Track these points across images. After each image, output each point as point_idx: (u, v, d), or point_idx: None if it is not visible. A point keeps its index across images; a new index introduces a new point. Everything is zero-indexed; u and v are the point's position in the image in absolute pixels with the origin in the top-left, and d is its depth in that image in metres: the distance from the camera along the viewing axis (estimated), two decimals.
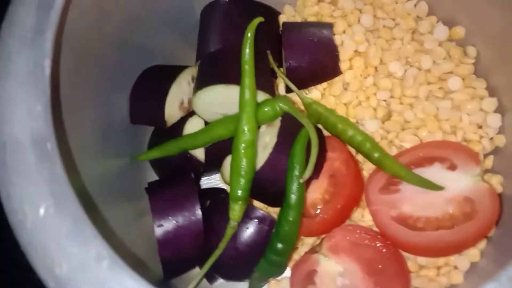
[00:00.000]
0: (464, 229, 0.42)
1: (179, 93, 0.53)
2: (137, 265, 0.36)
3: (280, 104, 0.47)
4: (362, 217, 0.50)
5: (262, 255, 0.48)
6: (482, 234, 0.43)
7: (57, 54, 0.32)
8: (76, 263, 0.26)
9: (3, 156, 0.28)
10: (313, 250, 0.48)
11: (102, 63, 0.48)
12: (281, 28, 0.56)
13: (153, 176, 0.58)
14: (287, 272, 0.51)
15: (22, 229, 0.27)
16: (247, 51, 0.46)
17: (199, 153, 0.54)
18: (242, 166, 0.45)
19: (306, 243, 0.53)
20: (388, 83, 0.54)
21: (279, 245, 0.46)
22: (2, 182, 0.28)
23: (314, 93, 0.55)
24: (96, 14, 0.42)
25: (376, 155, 0.47)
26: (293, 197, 0.45)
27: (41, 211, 0.27)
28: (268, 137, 0.48)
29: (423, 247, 0.43)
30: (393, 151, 0.52)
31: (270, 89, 0.50)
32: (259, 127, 0.50)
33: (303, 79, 0.54)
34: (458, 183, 0.44)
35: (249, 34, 0.46)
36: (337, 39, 0.55)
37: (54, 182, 0.27)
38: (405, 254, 0.47)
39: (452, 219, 0.43)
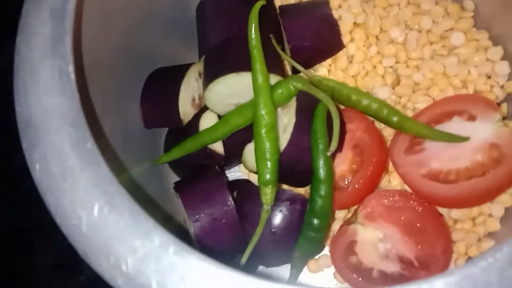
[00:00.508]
0: (496, 174, 0.42)
1: (189, 90, 0.53)
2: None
3: (294, 83, 0.47)
4: (390, 182, 0.51)
5: (298, 235, 0.48)
6: None
7: (79, 59, 0.32)
8: (142, 255, 0.26)
9: (46, 165, 0.28)
10: (349, 221, 0.48)
11: (111, 71, 0.48)
12: (278, 12, 0.57)
13: (173, 179, 0.58)
14: (324, 250, 0.51)
15: (78, 233, 0.27)
16: (254, 36, 0.46)
17: (219, 147, 0.54)
18: (267, 150, 0.45)
19: (338, 217, 0.53)
20: (392, 49, 0.54)
21: (316, 221, 0.46)
22: (48, 190, 0.28)
23: (321, 70, 0.56)
24: (100, 21, 0.42)
25: (395, 118, 0.48)
26: (322, 172, 0.45)
27: (95, 212, 0.27)
28: (286, 118, 0.48)
29: (459, 198, 0.43)
30: (409, 114, 0.52)
31: (281, 71, 0.50)
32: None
33: (308, 58, 0.54)
34: (481, 131, 0.45)
35: (253, 19, 0.46)
36: (335, 14, 0.56)
37: (101, 181, 0.27)
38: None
39: (483, 166, 0.43)
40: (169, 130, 0.57)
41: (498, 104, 0.52)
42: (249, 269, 0.52)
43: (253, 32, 0.46)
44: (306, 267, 0.53)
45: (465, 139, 0.44)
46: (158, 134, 0.58)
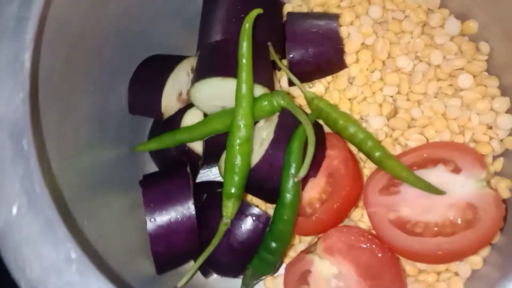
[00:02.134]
0: (464, 237, 0.40)
1: (177, 84, 0.52)
2: (120, 264, 0.36)
3: (278, 100, 0.45)
4: (362, 217, 0.49)
5: (255, 252, 0.47)
6: (483, 243, 0.41)
7: (38, 46, 0.31)
8: (46, 265, 0.25)
9: None
10: (308, 250, 0.47)
11: (99, 52, 0.47)
12: (285, 19, 0.54)
13: (152, 167, 0.58)
14: (284, 269, 0.50)
15: None
16: (245, 44, 0.44)
17: (197, 146, 0.53)
18: (237, 163, 0.44)
19: (304, 240, 0.51)
20: (395, 78, 0.51)
21: (273, 244, 0.45)
22: None
23: (318, 87, 0.53)
24: (91, 2, 0.41)
25: (377, 154, 0.45)
26: (288, 196, 0.44)
27: (14, 210, 0.26)
28: (266, 133, 0.47)
29: (420, 253, 0.41)
30: (398, 150, 0.50)
31: (269, 83, 0.48)
32: (256, 122, 0.48)
33: (307, 72, 0.52)
34: (461, 187, 0.42)
35: (247, 25, 0.44)
36: (344, 30, 0.53)
37: (27, 179, 0.27)
38: None
39: (452, 226, 0.41)
40: (155, 119, 0.56)
41: (494, 158, 0.49)
42: (204, 274, 0.52)
43: (245, 40, 0.44)
44: (263, 283, 0.52)
45: (441, 192, 0.42)
46: (147, 121, 0.58)
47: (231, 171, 0.44)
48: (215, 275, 0.53)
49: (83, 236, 0.30)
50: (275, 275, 0.52)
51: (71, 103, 0.42)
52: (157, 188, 0.47)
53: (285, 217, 0.44)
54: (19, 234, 0.26)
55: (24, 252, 0.26)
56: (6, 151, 0.27)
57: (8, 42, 0.30)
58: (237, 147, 0.44)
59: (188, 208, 0.46)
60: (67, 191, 0.35)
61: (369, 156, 0.46)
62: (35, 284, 0.25)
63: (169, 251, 0.46)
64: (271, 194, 0.46)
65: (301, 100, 0.54)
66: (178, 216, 0.46)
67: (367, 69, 0.53)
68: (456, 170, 0.43)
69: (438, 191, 0.42)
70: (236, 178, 0.44)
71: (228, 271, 0.50)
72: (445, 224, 0.41)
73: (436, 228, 0.41)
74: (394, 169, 0.44)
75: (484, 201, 0.41)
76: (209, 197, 0.51)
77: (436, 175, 0.44)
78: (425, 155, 0.46)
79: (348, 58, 0.53)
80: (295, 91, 0.54)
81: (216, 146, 0.52)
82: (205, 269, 0.51)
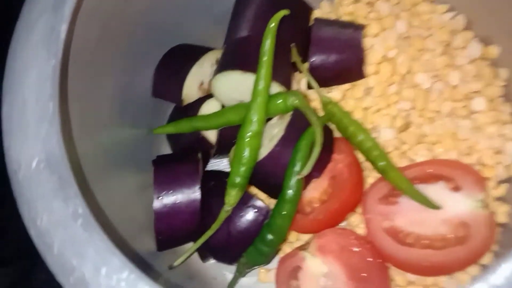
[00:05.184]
0: (452, 253, 0.41)
1: (200, 74, 0.54)
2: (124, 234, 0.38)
3: (293, 99, 0.47)
4: (360, 223, 0.50)
5: (252, 242, 0.49)
6: (470, 261, 0.42)
7: (74, 20, 0.34)
8: (55, 218, 0.28)
9: (10, 112, 0.31)
10: (302, 247, 0.48)
11: (130, 36, 0.50)
12: (312, 23, 0.56)
13: (167, 150, 0.60)
14: (277, 263, 0.52)
15: (15, 179, 0.30)
16: (268, 42, 0.46)
17: (211, 135, 0.55)
18: (244, 155, 0.46)
19: (301, 238, 0.53)
20: (411, 94, 0.52)
21: (269, 236, 0.47)
22: (6, 133, 0.31)
23: (335, 93, 0.55)
24: None
25: (381, 163, 0.47)
26: (289, 192, 0.45)
27: (34, 164, 0.29)
28: (277, 130, 0.49)
29: (407, 263, 0.42)
30: (404, 163, 0.51)
31: (287, 82, 0.50)
32: (270, 119, 0.50)
33: (326, 77, 0.54)
34: (458, 205, 0.43)
35: (272, 25, 0.46)
36: (368, 41, 0.55)
37: (49, 140, 0.30)
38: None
39: (443, 241, 0.42)
40: (176, 105, 0.59)
41: (499, 183, 0.49)
42: (202, 258, 0.54)
43: (268, 38, 0.46)
44: (257, 275, 0.54)
45: (436, 207, 0.43)
46: (169, 105, 0.60)
47: (238, 162, 0.46)
48: (212, 261, 0.55)
49: (91, 197, 0.32)
50: (269, 268, 0.54)
51: (98, 79, 0.45)
52: (168, 169, 0.49)
53: (284, 212, 0.46)
54: (35, 188, 0.29)
55: (37, 205, 0.29)
56: (33, 112, 0.30)
57: (48, 15, 0.33)
58: (247, 140, 0.46)
59: (194, 192, 0.48)
60: (84, 159, 0.38)
61: (374, 164, 0.48)
62: (44, 234, 0.28)
63: (171, 230, 0.48)
64: (274, 189, 0.48)
65: (317, 104, 0.55)
66: (184, 198, 0.48)
67: (385, 82, 0.54)
68: (456, 188, 0.44)
69: (433, 206, 0.43)
70: (242, 169, 0.46)
71: (224, 256, 0.52)
72: (436, 238, 0.42)
73: (427, 241, 0.42)
74: (396, 180, 0.46)
75: (477, 221, 0.42)
76: (215, 185, 0.53)
77: (435, 191, 0.45)
78: (429, 171, 0.47)
79: (368, 69, 0.54)
80: (312, 94, 0.56)
81: (230, 137, 0.54)
82: (203, 253, 0.54)
